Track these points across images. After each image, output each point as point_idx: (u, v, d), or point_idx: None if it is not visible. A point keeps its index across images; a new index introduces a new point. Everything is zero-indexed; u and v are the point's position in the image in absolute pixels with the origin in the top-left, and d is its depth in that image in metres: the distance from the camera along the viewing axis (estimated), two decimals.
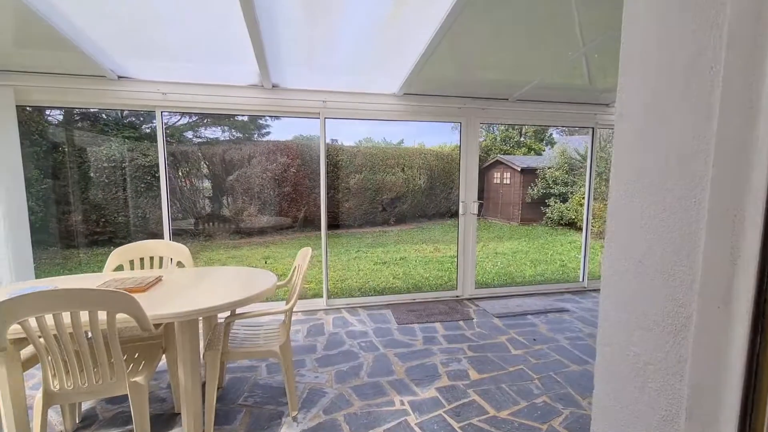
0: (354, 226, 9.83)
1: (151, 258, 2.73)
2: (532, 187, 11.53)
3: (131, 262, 2.68)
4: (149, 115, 8.71)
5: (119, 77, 3.34)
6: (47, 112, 7.97)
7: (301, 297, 4.67)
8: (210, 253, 7.29)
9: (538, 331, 3.47)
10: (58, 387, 1.69)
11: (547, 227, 10.84)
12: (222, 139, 9.41)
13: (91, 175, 7.70)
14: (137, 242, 2.71)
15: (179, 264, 2.76)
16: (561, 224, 10.89)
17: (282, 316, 2.58)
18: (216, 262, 6.75)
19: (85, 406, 2.33)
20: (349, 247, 7.93)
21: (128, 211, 7.52)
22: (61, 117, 8.01)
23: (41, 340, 1.61)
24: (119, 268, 2.64)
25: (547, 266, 6.73)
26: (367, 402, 2.36)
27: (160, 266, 2.74)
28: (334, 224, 9.73)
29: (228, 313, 2.33)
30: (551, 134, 16.89)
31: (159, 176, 3.60)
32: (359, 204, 9.94)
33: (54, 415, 2.22)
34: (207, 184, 8.79)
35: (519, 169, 11.66)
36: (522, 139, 16.03)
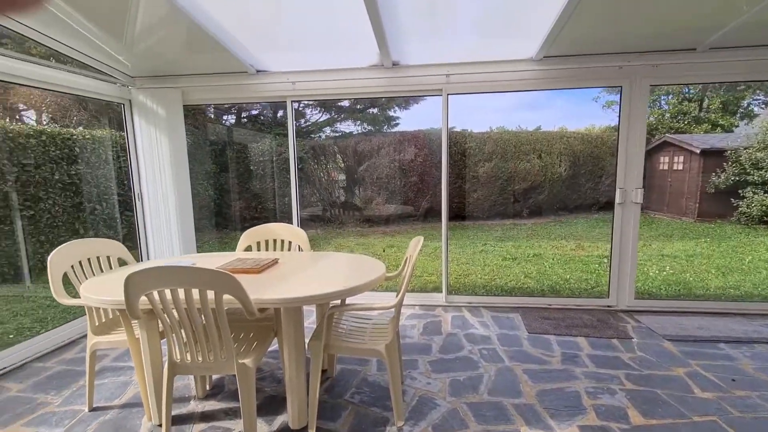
0: (482, 217, 9.20)
1: (275, 240, 2.82)
2: (716, 173, 8.96)
3: (258, 244, 2.82)
4: (298, 114, 9.70)
5: (257, 71, 3.59)
6: (224, 117, 9.59)
7: (420, 289, 4.45)
8: (340, 240, 7.69)
9: (739, 368, 2.48)
10: (179, 359, 1.78)
11: (741, 225, 8.29)
12: (355, 132, 9.89)
13: (251, 168, 8.96)
14: (262, 225, 2.83)
15: (299, 248, 2.79)
16: (764, 222, 8.19)
17: (392, 311, 2.35)
18: (344, 248, 7.08)
19: (215, 376, 2.52)
20: (475, 240, 7.42)
21: (276, 198, 8.50)
22: (233, 119, 9.55)
23: (167, 314, 1.69)
24: (248, 248, 2.80)
25: (745, 277, 5.04)
26: (486, 427, 1.95)
27: (282, 248, 2.82)
28: (459, 215, 9.27)
29: (338, 302, 2.23)
30: (750, 105, 12.97)
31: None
32: (488, 194, 9.24)
33: (190, 381, 2.45)
34: (341, 175, 9.34)
35: (698, 151, 9.20)
36: (703, 113, 12.70)
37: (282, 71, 3.57)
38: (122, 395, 2.33)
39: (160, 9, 2.73)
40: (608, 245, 3.50)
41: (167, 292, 1.61)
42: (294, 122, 3.76)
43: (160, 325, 2.02)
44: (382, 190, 8.93)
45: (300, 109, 9.50)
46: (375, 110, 9.71)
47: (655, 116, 11.54)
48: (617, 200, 3.38)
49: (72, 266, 2.20)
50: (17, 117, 5.79)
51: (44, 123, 6.35)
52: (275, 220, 7.98)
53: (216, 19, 2.84)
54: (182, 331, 1.71)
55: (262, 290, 1.80)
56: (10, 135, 4.61)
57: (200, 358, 1.77)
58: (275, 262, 2.30)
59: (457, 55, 3.30)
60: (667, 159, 10.18)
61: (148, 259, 3.94)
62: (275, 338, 2.18)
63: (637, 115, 3.24)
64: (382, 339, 2.01)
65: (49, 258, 2.08)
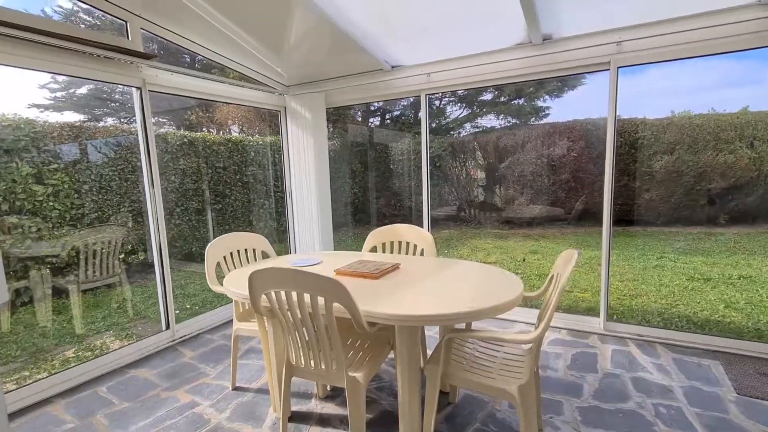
0: (656, 223, 7.40)
1: (399, 242, 2.67)
2: None
3: (383, 245, 2.72)
4: (440, 112, 9.60)
5: (392, 67, 3.51)
6: (370, 120, 10.20)
7: (569, 309, 3.73)
8: (476, 241, 7.24)
9: None
10: (294, 361, 1.76)
11: None
12: (497, 126, 9.21)
13: (391, 166, 9.26)
14: (389, 226, 2.71)
15: (423, 252, 2.57)
16: None
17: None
18: (481, 250, 6.61)
19: None
20: (646, 251, 6.00)
21: (413, 196, 8.56)
22: (377, 121, 10.06)
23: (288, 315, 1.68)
24: (374, 249, 2.73)
25: None
26: None
27: (407, 252, 2.65)
28: (625, 219, 7.65)
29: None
30: None
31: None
32: (666, 194, 7.37)
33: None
34: (479, 170, 8.83)
35: None
36: None
37: (416, 64, 3.40)
38: (258, 379, 2.52)
39: (310, 19, 2.88)
40: None
41: (282, 294, 1.58)
42: (428, 117, 3.56)
43: None
44: (526, 189, 8.06)
45: (440, 106, 9.35)
46: (521, 101, 8.84)
47: None
48: None
49: (224, 257, 2.46)
50: (222, 131, 7.17)
51: (235, 133, 7.71)
52: (411, 218, 8.04)
53: (353, 19, 2.84)
54: (297, 334, 1.67)
55: (375, 300, 1.63)
56: (208, 143, 5.71)
57: (313, 365, 1.71)
58: (396, 267, 2.13)
59: (627, 17, 2.56)
60: None
61: (295, 252, 4.32)
62: (391, 351, 2.01)
63: None
64: (515, 377, 1.62)
65: (206, 249, 2.37)
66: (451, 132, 9.42)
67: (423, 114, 3.55)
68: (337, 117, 8.64)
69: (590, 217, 7.48)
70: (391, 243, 2.70)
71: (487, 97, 9.36)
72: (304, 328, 1.63)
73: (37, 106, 4.19)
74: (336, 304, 1.51)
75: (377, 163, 8.82)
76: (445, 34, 3.00)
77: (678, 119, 7.51)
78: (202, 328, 3.36)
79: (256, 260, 2.64)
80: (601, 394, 2.20)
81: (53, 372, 2.55)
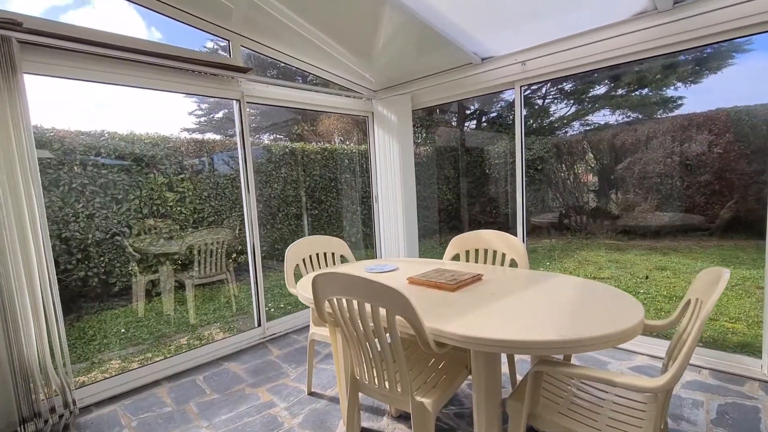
0: None
1: (485, 251, 2.37)
2: None
3: (467, 253, 2.45)
4: (543, 111, 8.81)
5: (482, 59, 3.23)
6: (465, 124, 9.86)
7: (714, 343, 2.94)
8: (586, 253, 6.35)
9: None
10: (359, 377, 1.62)
11: None
12: (612, 123, 8.04)
13: (486, 171, 8.76)
14: (473, 232, 2.43)
15: (512, 263, 2.24)
16: None
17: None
18: (591, 264, 5.76)
19: None
20: None
21: (509, 202, 7.93)
22: (473, 125, 9.67)
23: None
24: (456, 257, 2.48)
25: None
26: None
27: (494, 262, 2.34)
28: None
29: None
30: None
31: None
32: None
33: None
34: (591, 173, 7.80)
35: None
36: None
37: (509, 53, 3.06)
38: (334, 386, 2.46)
39: (395, 18, 2.81)
40: None
41: (344, 302, 1.46)
42: (522, 112, 3.18)
43: None
44: (651, 193, 6.82)
45: (544, 105, 8.54)
46: (644, 91, 7.57)
47: None
48: None
49: (303, 259, 2.47)
50: (325, 141, 7.64)
51: (335, 143, 8.11)
52: (507, 226, 7.44)
53: (439, 10, 2.66)
54: (360, 348, 1.53)
55: (447, 316, 1.41)
56: (306, 152, 6.07)
57: (377, 383, 1.55)
58: (477, 278, 1.86)
59: None
60: None
61: (380, 258, 4.26)
62: (469, 377, 1.74)
63: None
64: (632, 431, 1.23)
65: (286, 250, 2.40)
66: (556, 132, 8.52)
67: (517, 108, 3.18)
68: (430, 122, 8.49)
69: (741, 227, 5.98)
70: (476, 251, 2.42)
71: (600, 90, 8.25)
72: (367, 342, 1.48)
73: (188, 129, 5.03)
74: (401, 318, 1.33)
75: (472, 167, 8.41)
76: (544, 14, 2.62)
77: None
78: (290, 327, 3.48)
79: (334, 264, 2.61)
80: None
81: (168, 356, 2.85)
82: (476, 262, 2.39)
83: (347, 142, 7.71)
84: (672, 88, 7.42)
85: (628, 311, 1.36)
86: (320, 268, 2.52)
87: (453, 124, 9.25)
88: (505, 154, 7.88)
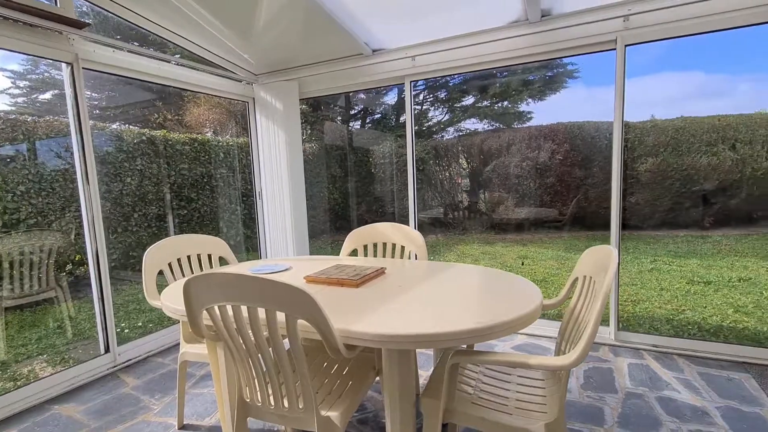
0: (643, 227, 7.29)
1: (384, 244, 2.28)
2: None
3: (365, 248, 2.32)
4: (422, 116, 9.31)
5: (373, 51, 3.16)
6: (350, 124, 9.83)
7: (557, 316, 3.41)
8: (463, 247, 6.92)
9: None
10: (249, 398, 1.33)
11: None
12: (480, 130, 8.98)
13: (372, 170, 8.88)
14: (370, 225, 2.32)
15: (412, 255, 2.19)
16: None
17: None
18: (468, 257, 6.28)
19: None
20: (638, 255, 5.81)
21: (395, 201, 8.20)
22: (357, 126, 9.70)
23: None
24: (354, 252, 2.32)
25: None
26: None
27: (393, 255, 2.26)
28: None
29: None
30: None
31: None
32: (651, 198, 7.27)
33: None
34: (464, 174, 8.57)
35: None
36: None
37: (400, 47, 3.06)
38: (214, 413, 2.05)
39: None
40: None
41: (229, 309, 1.16)
42: (412, 108, 3.21)
43: None
44: (512, 193, 7.83)
45: (422, 109, 9.08)
46: (506, 103, 8.66)
47: None
48: None
49: (169, 264, 2.00)
50: (195, 133, 6.64)
51: (207, 135, 7.18)
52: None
53: None
54: (250, 363, 1.25)
55: (356, 315, 1.23)
56: (170, 142, 5.20)
57: (272, 402, 1.28)
58: (381, 272, 1.74)
59: None
60: None
61: (266, 258, 3.86)
62: (377, 378, 1.60)
63: None
64: (539, 413, 1.24)
65: (144, 255, 1.91)
66: (434, 135, 9.15)
67: (407, 102, 3.20)
68: (315, 118, 8.23)
69: (578, 221, 7.29)
70: (374, 245, 2.31)
71: (469, 101, 9.16)
72: (259, 354, 1.21)
73: None
74: (302, 322, 1.10)
75: (358, 167, 8.44)
76: (432, 12, 2.67)
77: (660, 122, 7.45)
78: (152, 349, 2.85)
79: (211, 267, 2.20)
80: (627, 420, 1.85)
81: None
82: (375, 256, 2.28)
83: (224, 134, 6.94)
84: (525, 103, 8.66)
85: (528, 293, 1.39)
86: (192, 273, 2.09)
87: (339, 120, 9.15)
88: (390, 154, 8.10)
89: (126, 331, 3.58)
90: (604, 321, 2.76)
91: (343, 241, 2.35)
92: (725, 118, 7.24)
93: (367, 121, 9.51)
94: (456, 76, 8.88)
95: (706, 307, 3.60)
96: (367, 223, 2.35)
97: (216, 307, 1.17)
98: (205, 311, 1.19)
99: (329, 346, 1.10)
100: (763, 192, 6.92)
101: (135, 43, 3.00)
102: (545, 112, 8.52)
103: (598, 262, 1.30)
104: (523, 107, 8.79)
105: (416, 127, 3.20)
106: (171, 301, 1.48)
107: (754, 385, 2.08)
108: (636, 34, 2.37)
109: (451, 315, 1.24)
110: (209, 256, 2.21)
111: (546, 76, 8.33)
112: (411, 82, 3.14)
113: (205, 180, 5.60)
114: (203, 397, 2.22)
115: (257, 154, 3.74)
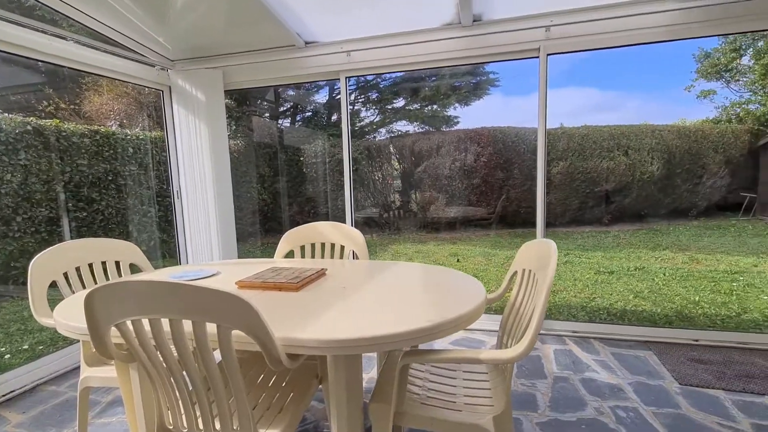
0: (556, 224, 8.05)
1: (322, 244, 2.17)
2: None
3: (302, 248, 2.18)
4: (355, 116, 9.23)
5: (306, 43, 3.02)
6: (280, 121, 9.40)
7: (500, 310, 3.59)
8: (397, 246, 7.00)
9: None
10: (173, 425, 1.15)
11: None
12: (411, 132, 9.19)
13: (304, 170, 8.60)
14: (307, 224, 2.19)
15: (352, 254, 2.11)
16: None
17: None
18: (402, 256, 6.36)
19: None
20: None
21: (329, 201, 8.03)
22: (287, 124, 9.32)
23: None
24: (290, 254, 2.18)
25: None
26: None
27: (332, 255, 2.16)
28: (530, 221, 8.21)
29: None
30: None
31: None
32: (562, 197, 8.07)
33: None
34: (396, 175, 8.69)
35: None
36: None
37: (335, 41, 2.96)
38: None
39: None
40: (733, 258, 2.45)
41: (146, 323, 0.98)
42: (348, 104, 3.14)
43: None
44: (443, 193, 8.13)
45: (354, 109, 9.04)
46: (435, 107, 8.96)
47: None
48: None
49: (65, 274, 1.68)
50: (97, 124, 5.78)
51: (112, 127, 6.35)
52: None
53: None
54: (173, 384, 1.07)
55: (298, 321, 1.12)
56: (64, 134, 4.49)
57: (201, 425, 1.12)
58: (322, 273, 1.63)
59: (559, 1, 2.47)
60: None
61: (188, 263, 3.50)
62: (320, 386, 1.49)
63: None
64: (487, 407, 1.25)
65: (32, 262, 1.58)
66: (367, 136, 9.16)
67: (343, 99, 3.12)
68: (241, 114, 7.75)
69: (502, 220, 7.80)
70: (312, 246, 2.19)
71: (400, 103, 9.34)
72: (184, 372, 1.04)
73: None
74: (237, 332, 0.97)
75: (289, 166, 8.11)
76: (367, 5, 2.62)
77: (569, 129, 8.27)
78: (42, 377, 2.40)
79: (120, 276, 1.90)
80: (557, 403, 1.96)
81: None
82: (313, 257, 2.16)
83: (133, 127, 6.21)
84: (452, 107, 9.05)
85: (472, 289, 1.40)
86: (96, 283, 1.78)
87: (267, 117, 8.72)
88: (322, 153, 7.92)
89: (7, 357, 3.00)
90: None
91: (275, 243, 2.19)
92: (619, 128, 8.28)
93: (298, 118, 9.21)
94: (387, 78, 9.02)
95: (611, 294, 4.05)
96: (299, 224, 2.22)
97: (129, 322, 0.98)
98: (114, 327, 1.00)
99: (270, 357, 0.98)
100: (649, 193, 8.05)
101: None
102: (471, 116, 9.00)
103: (539, 255, 1.35)
104: (451, 111, 9.20)
105: (350, 127, 3.13)
106: (68, 317, 1.23)
107: (656, 361, 2.35)
108: (557, 45, 2.56)
109: (400, 315, 1.19)
110: (117, 264, 1.91)
111: (471, 82, 8.80)
112: (346, 78, 3.06)
113: (111, 178, 4.95)
114: (111, 427, 1.91)
115: (175, 149, 3.37)
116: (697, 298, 3.79)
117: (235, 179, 3.50)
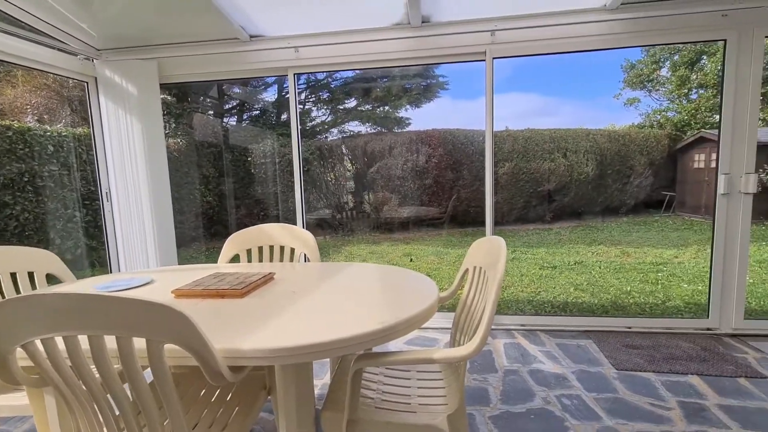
0: (502, 222, 8.42)
1: (271, 247, 2.07)
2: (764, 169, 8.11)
3: (248, 252, 2.07)
4: (305, 115, 8.99)
5: (251, 37, 2.88)
6: (225, 119, 8.93)
7: (451, 308, 3.66)
8: (351, 248, 6.93)
9: None
10: None
11: None
12: (363, 132, 9.15)
13: (252, 170, 8.24)
14: (254, 227, 2.08)
15: (302, 257, 2.03)
16: None
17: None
18: (356, 257, 6.31)
19: None
20: None
21: (279, 204, 7.77)
22: (233, 122, 8.89)
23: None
24: (236, 258, 2.05)
25: None
26: None
27: (282, 258, 2.06)
28: (478, 220, 8.50)
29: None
30: None
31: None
32: (508, 197, 8.46)
33: None
34: (349, 175, 8.61)
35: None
36: None
37: (282, 36, 2.86)
38: None
39: None
40: (658, 251, 2.71)
41: (60, 342, 0.85)
42: (297, 101, 3.04)
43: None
44: (396, 194, 8.19)
45: (304, 108, 8.84)
46: (387, 108, 9.00)
47: (687, 112, 10.50)
48: (720, 190, 2.58)
49: None
50: (9, 119, 5.11)
51: (28, 122, 5.68)
52: None
53: None
54: (96, 409, 0.95)
55: (242, 330, 1.04)
56: None
57: None
58: (270, 277, 1.55)
59: (504, 7, 2.56)
60: (703, 157, 9.35)
61: (119, 272, 3.19)
62: (268, 398, 1.41)
63: (748, 74, 2.46)
64: (440, 405, 1.24)
65: None
66: (318, 136, 9.00)
67: (292, 96, 3.01)
68: (181, 110, 7.28)
69: (452, 219, 7.99)
70: (260, 249, 2.08)
71: (351, 104, 9.28)
72: (108, 395, 0.92)
73: None
74: (171, 346, 0.87)
75: (235, 166, 7.74)
76: (317, 2, 2.55)
77: (514, 132, 8.67)
78: None
79: (34, 289, 1.68)
80: (508, 396, 2.02)
81: None
82: (260, 260, 2.05)
83: (54, 123, 5.61)
84: (404, 108, 9.15)
85: (425, 288, 1.39)
86: (3, 297, 1.55)
87: (211, 114, 8.27)
88: (272, 153, 7.65)
89: None
90: None
91: (221, 247, 2.06)
92: (558, 131, 8.82)
93: (245, 117, 8.83)
94: (338, 78, 8.92)
95: (555, 287, 4.29)
96: (247, 227, 2.10)
97: (38, 342, 0.85)
98: (20, 348, 0.86)
99: (209, 371, 0.89)
100: (585, 192, 8.67)
101: None
102: (421, 118, 9.16)
103: (489, 252, 1.37)
104: (402, 113, 9.30)
105: (300, 126, 3.03)
106: None
107: (595, 349, 2.50)
108: (502, 49, 2.65)
109: (352, 318, 1.14)
110: (30, 275, 1.68)
111: (421, 85, 8.95)
112: (295, 74, 2.96)
113: (26, 179, 4.44)
114: None
115: (103, 147, 3.07)
116: (629, 288, 4.12)
117: (174, 180, 3.26)
